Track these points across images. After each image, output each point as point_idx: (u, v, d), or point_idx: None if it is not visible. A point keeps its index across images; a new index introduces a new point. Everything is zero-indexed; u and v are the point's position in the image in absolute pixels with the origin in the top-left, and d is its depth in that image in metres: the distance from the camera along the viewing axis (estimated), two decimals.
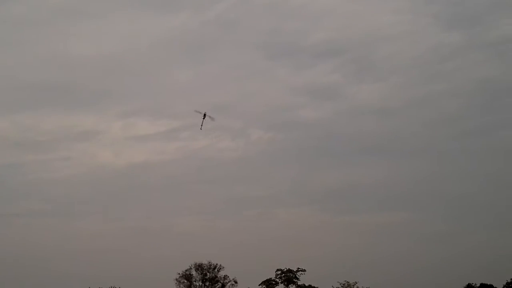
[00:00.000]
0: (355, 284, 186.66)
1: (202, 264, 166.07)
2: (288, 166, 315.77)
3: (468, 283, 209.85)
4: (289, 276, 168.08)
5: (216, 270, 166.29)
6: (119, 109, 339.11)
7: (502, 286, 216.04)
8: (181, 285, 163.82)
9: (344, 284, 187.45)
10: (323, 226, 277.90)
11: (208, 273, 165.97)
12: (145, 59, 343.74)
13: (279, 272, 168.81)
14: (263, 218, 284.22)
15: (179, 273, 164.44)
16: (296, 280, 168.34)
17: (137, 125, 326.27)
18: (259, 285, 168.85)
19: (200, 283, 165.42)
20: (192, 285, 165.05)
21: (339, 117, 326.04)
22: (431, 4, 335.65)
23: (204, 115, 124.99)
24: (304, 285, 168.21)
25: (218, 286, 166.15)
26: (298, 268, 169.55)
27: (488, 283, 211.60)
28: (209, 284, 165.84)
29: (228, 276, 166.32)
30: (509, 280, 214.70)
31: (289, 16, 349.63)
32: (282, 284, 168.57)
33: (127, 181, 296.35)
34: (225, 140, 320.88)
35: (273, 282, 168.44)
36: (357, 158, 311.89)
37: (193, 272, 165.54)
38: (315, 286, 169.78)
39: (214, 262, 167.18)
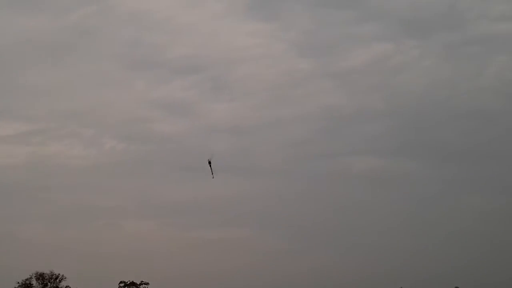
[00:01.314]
0: None
1: (43, 273, 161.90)
2: (139, 178, 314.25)
3: None
4: None
5: (57, 280, 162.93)
6: None
7: None
8: None
9: None
10: (170, 240, 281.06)
11: (49, 283, 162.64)
12: None
13: (122, 284, 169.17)
14: (110, 229, 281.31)
15: (18, 282, 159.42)
16: None
17: None
18: None
19: None
20: None
21: (193, 133, 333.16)
22: (287, 30, 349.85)
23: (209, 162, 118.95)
24: None
25: None
26: (142, 281, 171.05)
27: None
28: None
29: (70, 287, 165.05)
30: None
31: (151, 28, 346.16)
32: None
33: None
34: (77, 148, 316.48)
35: None
36: (205, 175, 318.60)
37: (34, 282, 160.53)
38: None
39: (56, 272, 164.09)
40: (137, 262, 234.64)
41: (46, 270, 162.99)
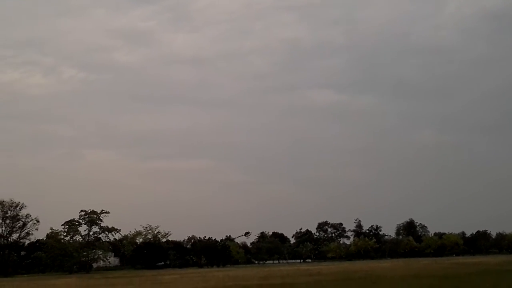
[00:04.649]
0: (156, 228, 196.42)
1: (3, 201, 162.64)
2: (98, 108, 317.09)
3: (262, 232, 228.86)
4: (92, 217, 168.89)
5: (18, 208, 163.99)
6: None
7: (291, 235, 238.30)
8: None
9: (146, 227, 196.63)
10: (130, 170, 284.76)
11: (9, 211, 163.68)
12: None
13: (83, 213, 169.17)
14: (70, 158, 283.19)
15: None
16: (99, 222, 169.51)
17: None
18: (62, 225, 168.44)
19: (0, 221, 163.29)
20: None
21: (152, 64, 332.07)
22: None
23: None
24: (107, 226, 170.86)
25: (19, 224, 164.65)
26: (102, 210, 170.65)
27: (280, 232, 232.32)
28: (9, 222, 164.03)
29: (30, 215, 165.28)
30: (298, 230, 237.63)
31: None
32: (85, 225, 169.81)
33: None
34: (35, 76, 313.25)
35: (76, 223, 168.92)
36: (165, 105, 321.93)
37: None
38: (118, 228, 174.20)
39: (16, 200, 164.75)
40: (97, 191, 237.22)
41: (5, 198, 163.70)
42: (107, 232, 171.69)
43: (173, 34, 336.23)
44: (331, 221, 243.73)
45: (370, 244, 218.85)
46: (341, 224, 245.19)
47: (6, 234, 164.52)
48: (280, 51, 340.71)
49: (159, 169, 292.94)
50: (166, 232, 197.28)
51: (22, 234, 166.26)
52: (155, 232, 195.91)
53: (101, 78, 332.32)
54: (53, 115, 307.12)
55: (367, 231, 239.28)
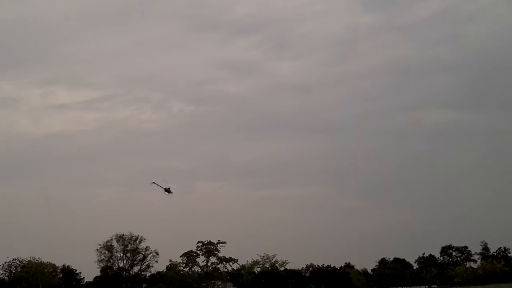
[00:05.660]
0: (274, 257, 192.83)
1: (123, 235, 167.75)
2: (209, 140, 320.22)
3: (382, 258, 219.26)
4: (209, 248, 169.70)
5: (137, 241, 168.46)
6: (38, 76, 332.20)
7: (414, 261, 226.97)
8: (102, 256, 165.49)
9: (263, 256, 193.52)
10: (243, 199, 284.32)
11: (129, 244, 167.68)
12: (66, 27, 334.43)
13: (200, 244, 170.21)
14: (184, 191, 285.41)
15: (100, 244, 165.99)
16: (216, 252, 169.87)
17: (56, 93, 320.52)
18: (180, 256, 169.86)
19: (121, 254, 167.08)
20: (113, 256, 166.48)
21: (258, 93, 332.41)
22: None
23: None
24: (225, 257, 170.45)
25: (139, 257, 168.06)
26: (219, 240, 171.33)
27: (401, 258, 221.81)
28: (130, 255, 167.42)
29: (150, 248, 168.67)
30: (421, 255, 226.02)
31: None
32: (203, 256, 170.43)
33: (45, 150, 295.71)
34: (146, 112, 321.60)
35: (194, 254, 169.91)
36: (274, 133, 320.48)
37: (114, 243, 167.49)
38: (235, 258, 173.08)
39: (135, 233, 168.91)
40: (212, 222, 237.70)
41: (125, 232, 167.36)
42: (224, 263, 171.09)
43: (277, 62, 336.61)
44: (455, 244, 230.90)
45: (499, 267, 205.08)
46: (466, 247, 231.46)
47: (128, 267, 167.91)
48: (387, 72, 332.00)
49: (272, 197, 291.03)
50: (284, 260, 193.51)
51: (143, 266, 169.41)
52: (273, 261, 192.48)
53: (210, 110, 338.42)
54: (165, 149, 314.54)
55: (495, 253, 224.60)
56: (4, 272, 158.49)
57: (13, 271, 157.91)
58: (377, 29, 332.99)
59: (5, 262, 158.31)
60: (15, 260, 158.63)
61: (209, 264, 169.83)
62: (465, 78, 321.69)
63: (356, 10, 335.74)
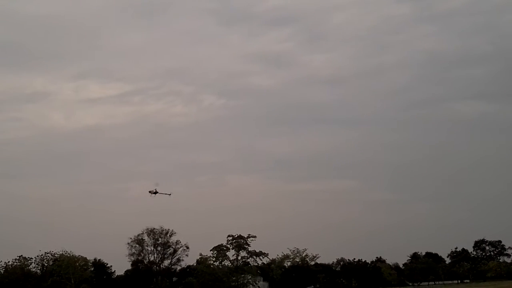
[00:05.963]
0: (304, 251, 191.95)
1: (154, 229, 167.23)
2: (240, 133, 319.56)
3: (414, 252, 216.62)
4: (240, 242, 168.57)
5: (168, 235, 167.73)
6: (70, 70, 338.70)
7: (446, 255, 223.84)
8: (133, 250, 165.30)
9: (293, 250, 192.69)
10: (273, 193, 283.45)
11: (160, 238, 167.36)
12: (97, 21, 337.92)
13: (230, 238, 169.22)
14: (214, 185, 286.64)
15: (131, 238, 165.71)
16: (246, 246, 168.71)
17: (89, 87, 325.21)
18: (211, 250, 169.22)
19: (152, 248, 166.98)
20: (144, 250, 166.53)
21: (290, 86, 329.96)
22: None
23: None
24: (255, 251, 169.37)
25: (170, 251, 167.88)
26: (249, 234, 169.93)
27: (433, 252, 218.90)
28: (161, 249, 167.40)
29: (180, 241, 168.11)
30: (453, 249, 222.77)
31: None
32: (233, 250, 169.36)
33: (78, 144, 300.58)
34: (177, 106, 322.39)
35: (224, 248, 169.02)
36: (306, 127, 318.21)
37: (145, 237, 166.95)
38: (265, 252, 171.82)
39: (166, 227, 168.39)
40: (242, 216, 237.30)
41: (156, 226, 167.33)
42: (255, 257, 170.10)
43: (310, 54, 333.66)
44: (488, 238, 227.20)
45: None
46: (499, 241, 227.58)
47: (158, 261, 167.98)
48: (421, 64, 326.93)
49: (303, 190, 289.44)
50: (314, 255, 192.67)
51: (173, 260, 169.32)
52: (303, 255, 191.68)
53: (240, 103, 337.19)
54: (196, 142, 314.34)
55: None
56: (37, 266, 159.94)
57: (45, 265, 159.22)
58: (411, 20, 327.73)
59: (37, 256, 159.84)
60: (47, 253, 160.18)
61: (239, 258, 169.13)
62: (498, 69, 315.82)
63: (391, 1, 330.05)
